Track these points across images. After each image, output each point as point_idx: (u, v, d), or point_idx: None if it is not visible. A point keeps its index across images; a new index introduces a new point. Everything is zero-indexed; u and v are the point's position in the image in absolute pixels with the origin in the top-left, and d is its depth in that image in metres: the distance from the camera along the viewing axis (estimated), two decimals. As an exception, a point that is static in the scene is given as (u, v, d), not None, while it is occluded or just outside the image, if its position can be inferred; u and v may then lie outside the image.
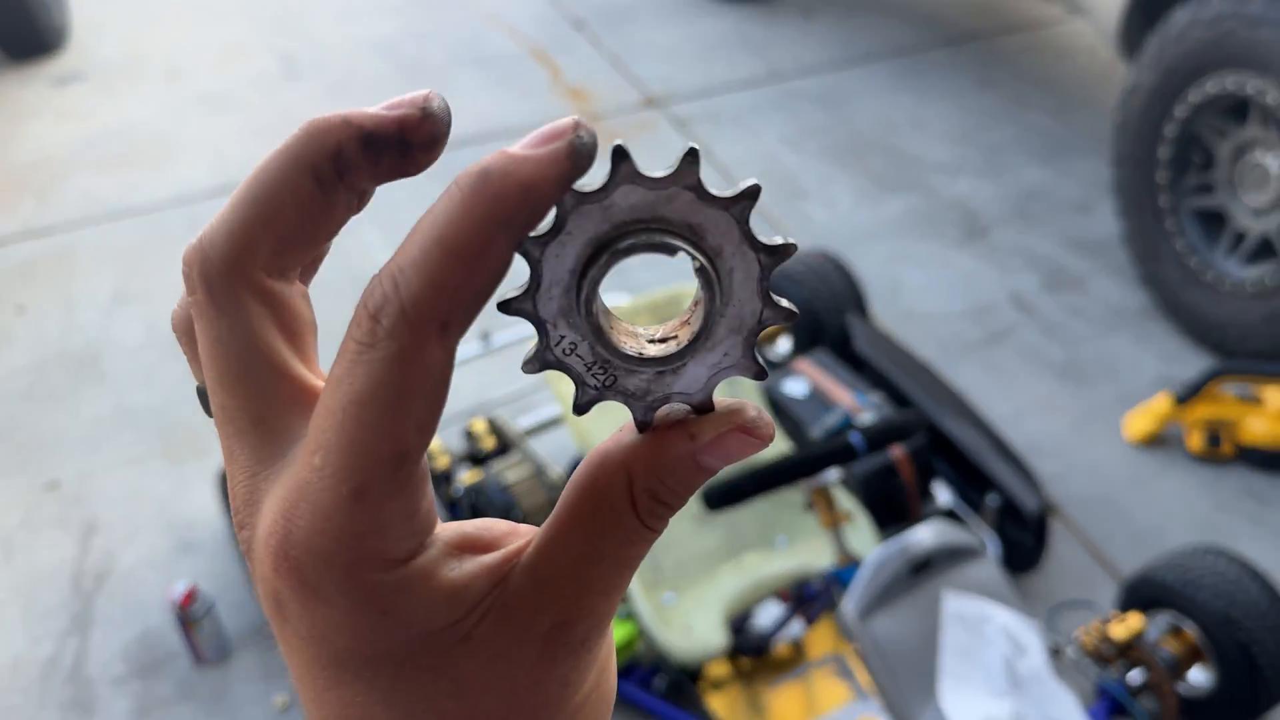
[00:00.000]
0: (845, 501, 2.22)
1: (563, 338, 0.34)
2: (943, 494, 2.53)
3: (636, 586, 2.29)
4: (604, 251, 0.33)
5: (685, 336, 0.35)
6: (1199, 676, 2.09)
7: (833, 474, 1.85)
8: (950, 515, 2.51)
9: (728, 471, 1.98)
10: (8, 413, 3.23)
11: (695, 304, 0.36)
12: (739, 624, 2.28)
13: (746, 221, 0.34)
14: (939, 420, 2.53)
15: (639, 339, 0.36)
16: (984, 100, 4.65)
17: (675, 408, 0.36)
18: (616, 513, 0.35)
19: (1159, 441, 2.86)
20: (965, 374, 3.04)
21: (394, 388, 0.31)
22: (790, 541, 2.42)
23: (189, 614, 2.33)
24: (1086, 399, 3.07)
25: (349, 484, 0.32)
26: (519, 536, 0.37)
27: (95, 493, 2.92)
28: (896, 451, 2.38)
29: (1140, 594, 2.16)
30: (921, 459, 2.44)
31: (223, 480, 2.49)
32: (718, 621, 2.21)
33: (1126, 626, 2.05)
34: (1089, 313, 3.40)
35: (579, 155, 0.31)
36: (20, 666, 2.46)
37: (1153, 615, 2.11)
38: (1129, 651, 2.06)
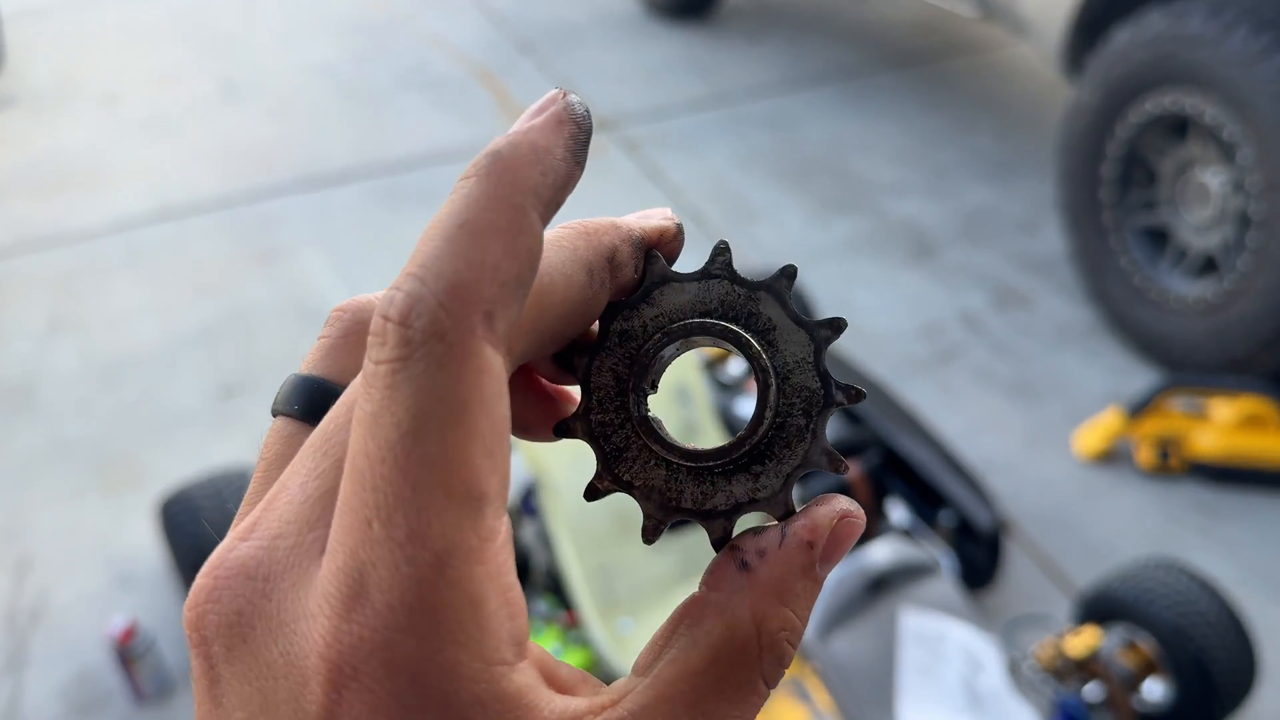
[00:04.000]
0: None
1: (621, 454, 0.32)
2: (897, 512, 2.52)
3: (591, 613, 2.25)
4: (655, 358, 0.32)
5: (752, 432, 0.32)
6: (1155, 689, 2.09)
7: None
8: (905, 533, 2.50)
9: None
10: (-64, 447, 3.12)
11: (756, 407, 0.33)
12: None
13: (788, 300, 0.33)
14: (892, 439, 2.53)
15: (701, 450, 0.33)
16: (930, 122, 4.70)
17: (755, 537, 0.32)
18: (745, 674, 0.31)
19: (1109, 457, 2.88)
20: (916, 392, 3.04)
21: (451, 403, 0.25)
22: (746, 563, 2.39)
23: (129, 650, 2.25)
24: (1036, 415, 3.08)
25: (429, 550, 0.25)
26: (594, 686, 0.31)
27: (29, 527, 2.82)
28: (851, 471, 2.37)
29: (1095, 608, 2.16)
30: (876, 477, 2.44)
31: (166, 510, 2.42)
32: (674, 646, 2.17)
33: (1082, 641, 2.05)
34: (1037, 330, 3.43)
35: (576, 114, 0.30)
36: (-52, 711, 2.36)
37: (1108, 629, 2.11)
38: (1085, 666, 2.06)
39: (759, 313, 0.33)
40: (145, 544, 2.70)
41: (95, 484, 2.95)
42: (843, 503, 0.33)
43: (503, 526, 0.27)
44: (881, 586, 1.67)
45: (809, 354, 0.33)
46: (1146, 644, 2.07)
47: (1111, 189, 3.23)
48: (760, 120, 4.77)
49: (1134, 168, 3.21)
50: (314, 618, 0.26)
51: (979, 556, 2.35)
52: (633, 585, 2.43)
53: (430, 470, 0.25)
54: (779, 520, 0.33)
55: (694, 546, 2.43)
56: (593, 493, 0.33)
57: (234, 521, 0.30)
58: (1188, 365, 3.06)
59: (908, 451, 2.50)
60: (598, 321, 0.33)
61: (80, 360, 3.42)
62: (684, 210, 4.05)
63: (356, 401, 0.27)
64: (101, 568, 2.68)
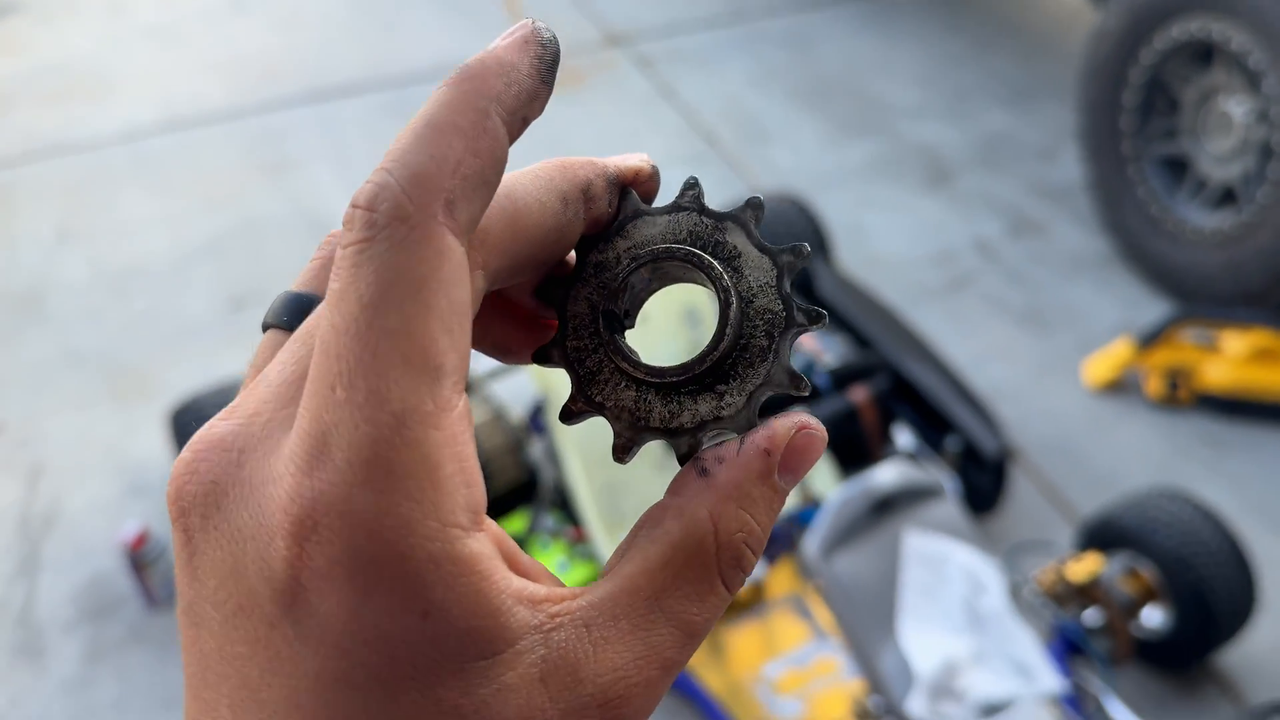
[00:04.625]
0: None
1: (594, 377, 0.33)
2: (903, 437, 2.52)
3: (597, 528, 2.28)
4: (624, 283, 0.34)
5: (712, 349, 0.34)
6: (1154, 616, 2.11)
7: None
8: (910, 458, 2.51)
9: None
10: (-52, 353, 3.13)
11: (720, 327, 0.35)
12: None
13: (755, 228, 0.34)
14: (901, 364, 2.52)
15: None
16: (951, 44, 4.60)
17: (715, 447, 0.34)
18: (701, 572, 0.32)
19: (1118, 387, 2.88)
20: (927, 320, 3.03)
21: (410, 279, 0.27)
22: (752, 485, 2.41)
23: (141, 556, 2.28)
24: (1047, 345, 3.07)
25: (386, 411, 0.26)
26: (555, 580, 0.32)
27: (41, 436, 2.85)
28: (858, 395, 2.37)
29: (1098, 535, 2.17)
30: (883, 402, 2.44)
31: (176, 419, 2.43)
32: (679, 564, 2.19)
33: (1084, 567, 2.07)
34: (1051, 259, 3.40)
35: (543, 37, 0.32)
36: (-35, 612, 2.40)
37: (1110, 556, 2.13)
38: (1086, 592, 2.08)
39: (725, 241, 0.34)
40: (156, 454, 2.72)
41: (105, 394, 2.97)
42: (802, 416, 0.34)
43: (460, 401, 0.29)
44: (886, 508, 1.68)
45: (772, 279, 0.34)
46: (1148, 571, 2.09)
47: (1132, 117, 3.18)
48: (777, 39, 4.68)
49: (1156, 95, 3.16)
50: (280, 479, 0.28)
51: (984, 482, 2.36)
52: (639, 502, 2.45)
53: (389, 340, 0.27)
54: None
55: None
56: (567, 415, 0.34)
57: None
58: (1201, 297, 3.04)
59: (916, 376, 2.49)
60: (574, 254, 0.35)
61: (89, 270, 3.42)
62: (697, 130, 4.00)
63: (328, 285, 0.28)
64: (112, 476, 2.71)
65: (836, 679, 2.17)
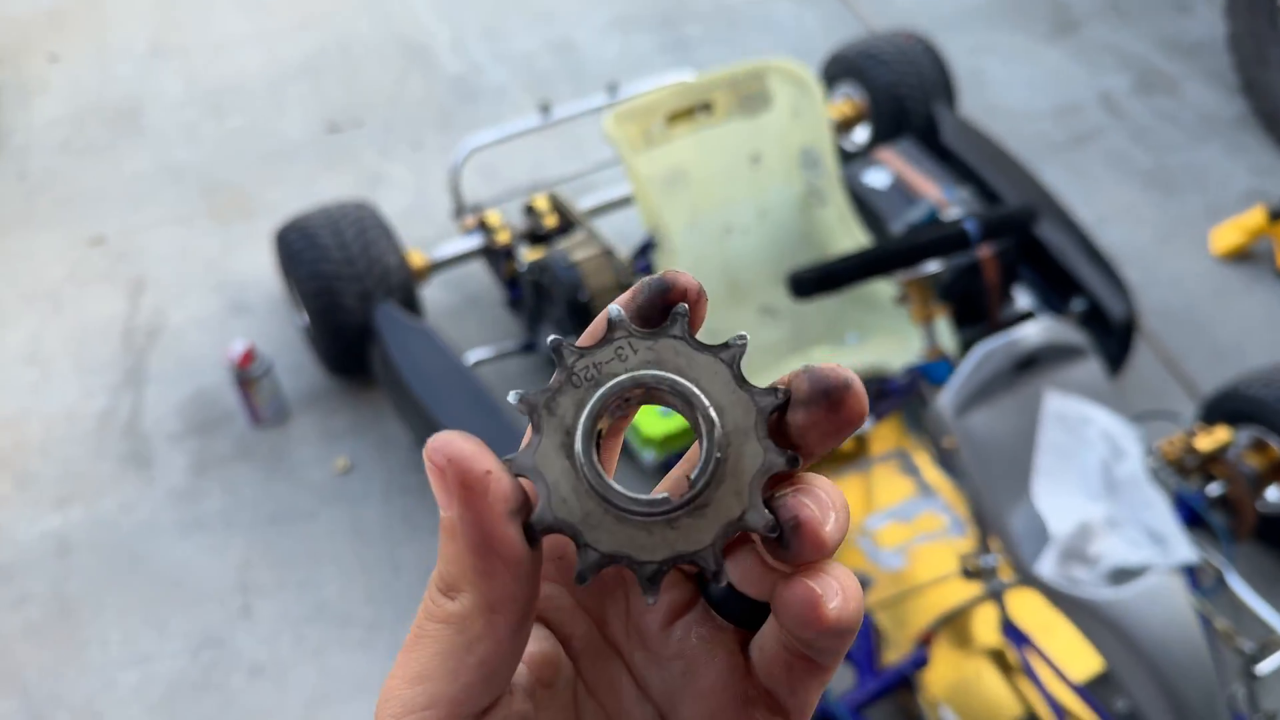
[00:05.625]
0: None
1: (563, 497, 0.33)
2: (1023, 297, 2.43)
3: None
4: (600, 405, 0.34)
5: (686, 487, 0.34)
6: (1278, 494, 2.04)
7: (932, 265, 1.75)
8: (1029, 318, 2.42)
9: (824, 257, 1.87)
10: (47, 164, 3.12)
11: (695, 459, 0.35)
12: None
13: (737, 366, 0.34)
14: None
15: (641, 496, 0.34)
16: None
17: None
18: None
19: (1247, 258, 2.73)
20: (1048, 176, 2.88)
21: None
22: (861, 338, 2.34)
23: (247, 374, 2.29)
24: (1173, 209, 2.92)
25: None
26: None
27: (142, 250, 2.85)
28: (982, 249, 2.27)
29: (1225, 408, 2.08)
30: (1007, 259, 2.33)
31: (281, 239, 2.40)
32: (786, 413, 2.15)
33: (1213, 438, 1.99)
34: (1181, 119, 3.20)
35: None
36: (75, 418, 2.45)
37: (1239, 429, 2.04)
38: (1210, 464, 2.01)
39: (706, 373, 0.35)
40: (256, 272, 2.71)
41: (203, 210, 2.95)
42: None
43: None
44: (1028, 366, 1.61)
45: (753, 419, 0.34)
46: (1278, 446, 2.01)
47: (1293, -36, 2.92)
48: None
49: (1323, -59, 2.89)
50: None
51: (1108, 347, 2.27)
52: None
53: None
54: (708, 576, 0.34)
55: (805, 316, 2.37)
56: (539, 525, 0.33)
57: None
58: (1348, 166, 2.85)
59: (1044, 234, 2.38)
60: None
61: (184, 86, 3.36)
62: (808, -35, 3.77)
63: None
64: (213, 293, 2.71)
65: (942, 535, 2.15)
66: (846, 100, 2.78)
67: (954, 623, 1.98)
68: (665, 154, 2.39)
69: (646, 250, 2.34)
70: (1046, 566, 1.52)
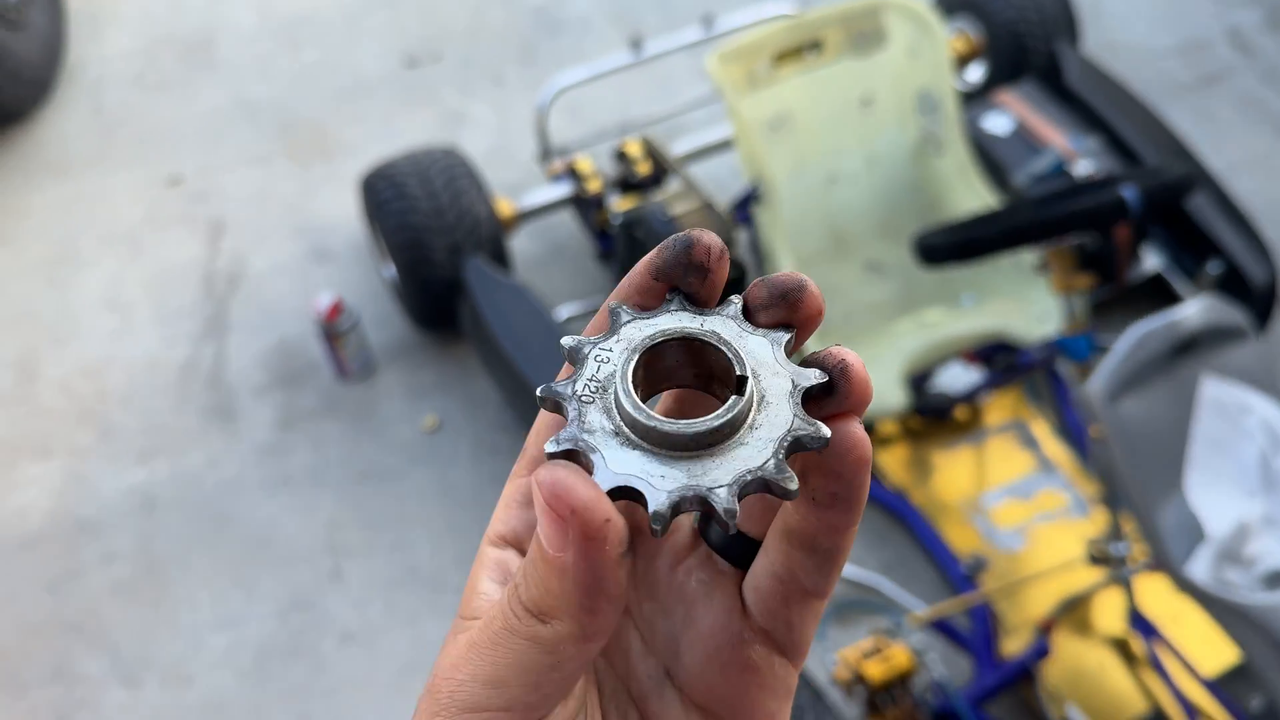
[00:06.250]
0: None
1: (615, 453, 0.34)
2: (1152, 257, 2.26)
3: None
4: (643, 354, 0.36)
5: (719, 418, 0.34)
6: None
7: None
8: (1158, 280, 2.26)
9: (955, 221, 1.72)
10: (120, 99, 3.04)
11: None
12: (917, 382, 2.11)
13: (784, 349, 0.36)
14: (1157, 171, 2.23)
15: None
16: None
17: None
18: None
19: (1392, 212, 2.53)
20: (1172, 119, 2.68)
21: None
22: (978, 300, 2.20)
23: (334, 327, 2.21)
24: (1309, 157, 2.71)
25: None
26: None
27: (220, 190, 2.77)
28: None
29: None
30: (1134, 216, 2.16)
31: (366, 186, 2.30)
32: (895, 378, 2.03)
33: (1369, 422, 1.84)
34: (1317, 57, 2.97)
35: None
36: (157, 367, 2.39)
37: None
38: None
39: (754, 352, 0.37)
40: (338, 216, 2.62)
41: (280, 149, 2.86)
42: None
43: None
44: (1186, 349, 1.47)
45: (788, 391, 0.35)
46: None
47: None
48: None
49: None
50: None
51: (1245, 315, 2.10)
52: (846, 312, 2.27)
53: None
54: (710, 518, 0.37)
55: (914, 273, 2.23)
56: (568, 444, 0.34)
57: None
58: None
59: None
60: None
61: (257, 17, 3.24)
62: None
63: None
64: (294, 237, 2.63)
65: (1063, 515, 2.03)
66: (960, 35, 2.59)
67: (1075, 609, 1.87)
68: (771, 97, 2.24)
69: (747, 202, 2.21)
70: (1199, 568, 1.40)
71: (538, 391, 0.35)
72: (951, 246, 1.59)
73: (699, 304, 0.37)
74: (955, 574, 1.90)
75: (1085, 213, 1.49)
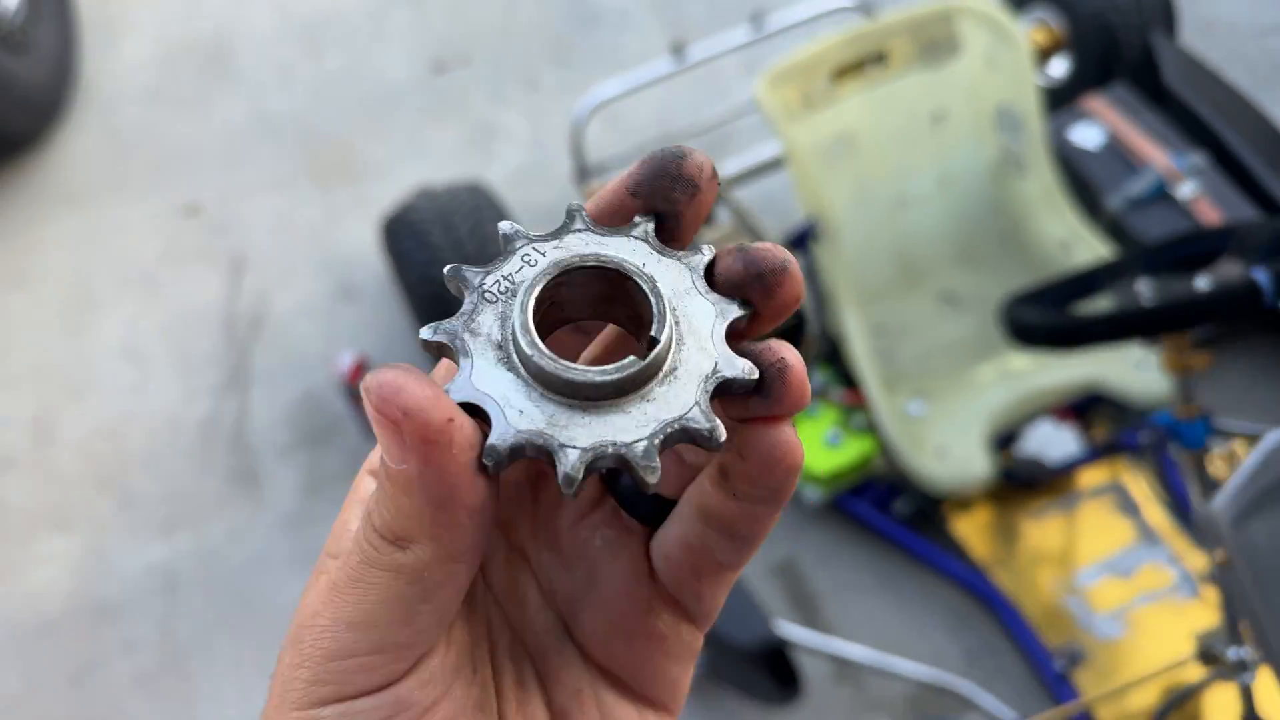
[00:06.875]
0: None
1: (519, 409, 0.30)
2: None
3: (875, 388, 1.89)
4: (541, 284, 0.32)
5: (628, 367, 0.31)
6: None
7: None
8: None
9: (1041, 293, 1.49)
10: (135, 117, 2.87)
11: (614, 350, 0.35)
12: (1002, 441, 1.89)
13: (702, 275, 0.33)
14: (1257, 172, 1.96)
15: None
16: None
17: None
18: None
19: None
20: (1277, 106, 2.39)
21: None
22: (1069, 341, 1.96)
23: (358, 389, 2.04)
24: None
25: None
26: None
27: (239, 220, 2.60)
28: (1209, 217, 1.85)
29: None
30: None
31: (389, 230, 2.12)
32: (979, 443, 1.82)
33: None
34: None
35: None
36: (178, 426, 2.25)
37: None
38: None
39: (667, 276, 0.34)
40: (361, 248, 2.45)
41: (304, 170, 2.68)
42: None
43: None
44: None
45: (710, 327, 0.33)
46: None
47: None
48: None
49: None
50: None
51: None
52: (920, 353, 2.05)
53: None
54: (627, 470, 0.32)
55: (994, 304, 2.00)
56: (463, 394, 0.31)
57: None
58: None
59: (1275, 191, 1.94)
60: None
61: (277, 19, 3.05)
62: None
63: None
64: (319, 273, 2.45)
65: (1169, 595, 1.81)
66: (1041, 26, 2.31)
67: (1183, 705, 1.67)
68: (830, 118, 2.00)
69: (804, 240, 1.99)
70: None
71: (446, 269, 0.32)
72: (1048, 331, 1.36)
73: (668, 238, 0.34)
74: (1049, 673, 1.70)
75: (1207, 304, 1.26)
